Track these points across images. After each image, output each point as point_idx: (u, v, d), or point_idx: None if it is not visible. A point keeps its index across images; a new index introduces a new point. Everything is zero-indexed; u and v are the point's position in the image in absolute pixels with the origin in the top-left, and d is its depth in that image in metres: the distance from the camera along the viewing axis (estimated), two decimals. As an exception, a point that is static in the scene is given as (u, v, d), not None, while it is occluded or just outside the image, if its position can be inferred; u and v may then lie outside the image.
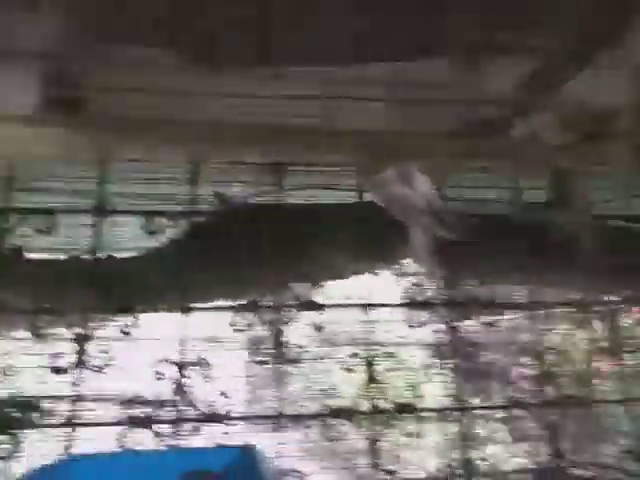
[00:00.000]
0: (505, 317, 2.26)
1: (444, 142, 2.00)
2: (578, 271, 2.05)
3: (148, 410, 1.99)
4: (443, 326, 2.22)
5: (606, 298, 2.38)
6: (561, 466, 2.06)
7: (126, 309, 2.09)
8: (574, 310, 2.34)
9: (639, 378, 2.27)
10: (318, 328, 2.15)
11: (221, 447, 1.89)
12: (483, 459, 2.12)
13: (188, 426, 2.02)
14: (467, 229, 1.75)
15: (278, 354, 2.11)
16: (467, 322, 2.24)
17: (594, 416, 2.20)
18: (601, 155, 1.40)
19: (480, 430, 2.17)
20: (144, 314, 2.10)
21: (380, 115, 2.15)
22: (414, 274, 2.23)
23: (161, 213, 2.22)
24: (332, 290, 2.21)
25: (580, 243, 1.93)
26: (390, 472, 2.04)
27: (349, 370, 2.14)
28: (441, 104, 2.18)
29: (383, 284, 2.24)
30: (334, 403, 2.09)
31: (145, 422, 1.98)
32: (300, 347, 2.13)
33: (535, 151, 1.72)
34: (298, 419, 2.06)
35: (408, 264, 2.22)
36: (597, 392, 2.25)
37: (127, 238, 2.17)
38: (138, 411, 1.98)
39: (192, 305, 2.13)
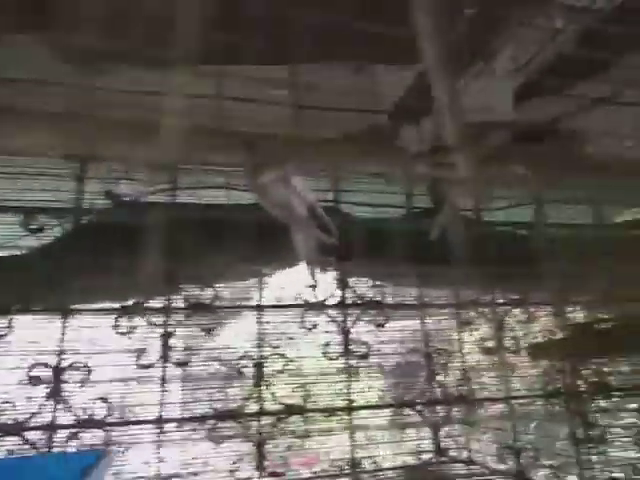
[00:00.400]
0: (396, 318, 2.31)
1: (338, 146, 2.02)
2: (456, 274, 2.14)
3: (20, 417, 1.89)
4: (335, 327, 2.25)
5: (495, 300, 2.49)
6: (441, 462, 2.13)
7: (1, 310, 1.98)
8: (462, 311, 2.43)
9: (521, 377, 2.39)
10: (208, 330, 2.12)
11: (75, 453, 1.84)
12: (371, 458, 2.17)
13: (64, 432, 1.94)
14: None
15: (164, 357, 2.06)
16: (359, 323, 2.28)
17: (477, 413, 2.30)
18: (451, 166, 1.46)
19: (370, 430, 2.21)
20: (20, 316, 1.99)
21: (276, 117, 2.14)
22: (309, 276, 2.24)
23: (44, 210, 2.11)
24: (225, 292, 2.18)
25: (455, 247, 2.01)
26: (276, 474, 2.05)
27: (238, 372, 2.12)
28: (338, 108, 2.21)
29: (277, 285, 2.24)
30: (221, 406, 2.07)
31: (17, 429, 1.88)
32: (188, 349, 2.10)
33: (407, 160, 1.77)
34: (182, 423, 2.02)
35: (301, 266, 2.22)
36: (481, 390, 2.35)
37: (3, 236, 2.06)
38: (8, 418, 1.88)
39: (73, 307, 2.05)
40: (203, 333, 2.12)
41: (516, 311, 2.51)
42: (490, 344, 2.42)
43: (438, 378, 2.31)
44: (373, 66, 2.07)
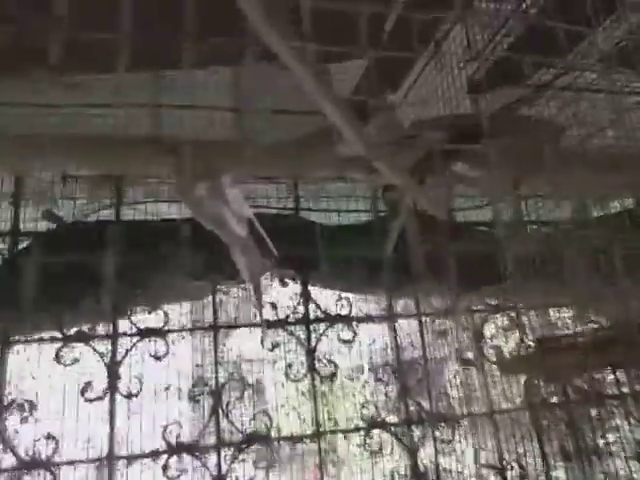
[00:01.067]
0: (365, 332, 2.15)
1: (275, 152, 1.87)
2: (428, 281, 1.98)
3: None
4: (298, 345, 2.09)
5: (471, 307, 2.32)
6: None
7: None
8: (436, 320, 2.27)
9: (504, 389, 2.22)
10: (158, 357, 1.97)
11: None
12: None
13: (6, 475, 1.79)
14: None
15: (112, 389, 1.91)
16: (324, 339, 2.12)
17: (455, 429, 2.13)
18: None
19: (340, 454, 2.05)
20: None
21: (214, 124, 2.00)
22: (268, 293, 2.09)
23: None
24: (175, 314, 2.03)
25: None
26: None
27: (195, 401, 1.96)
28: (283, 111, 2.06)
29: (233, 303, 2.08)
30: (176, 437, 1.91)
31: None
32: (139, 379, 1.94)
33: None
34: (133, 459, 1.87)
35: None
36: (461, 406, 2.18)
37: None
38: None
39: (12, 338, 1.90)
40: (153, 360, 1.96)
41: (496, 317, 2.35)
42: (469, 355, 2.26)
43: (412, 393, 2.14)
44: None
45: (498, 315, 2.35)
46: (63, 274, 1.95)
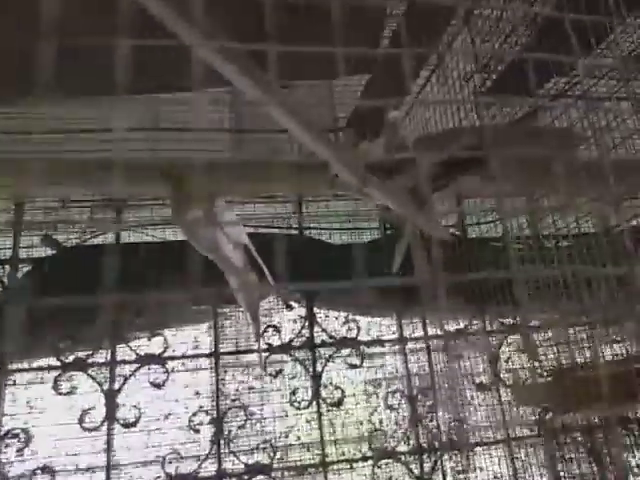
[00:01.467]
0: (373, 356, 2.06)
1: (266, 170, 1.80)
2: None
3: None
4: (303, 371, 2.00)
5: (488, 327, 2.20)
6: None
7: None
8: (450, 342, 2.15)
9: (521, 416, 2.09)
10: (157, 385, 1.91)
11: None
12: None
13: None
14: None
15: (110, 418, 1.85)
16: (330, 364, 2.03)
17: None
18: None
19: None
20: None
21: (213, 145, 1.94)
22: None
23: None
24: (176, 340, 1.97)
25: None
26: None
27: (195, 430, 1.89)
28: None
29: (234, 328, 2.01)
30: (176, 468, 1.85)
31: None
32: (137, 408, 1.88)
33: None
34: (131, 492, 1.80)
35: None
36: (476, 434, 2.06)
37: None
38: None
39: (9, 367, 1.86)
40: (152, 388, 1.90)
41: (514, 338, 2.22)
42: (484, 379, 2.14)
43: (424, 422, 2.03)
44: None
45: (515, 336, 2.22)
46: (62, 299, 1.90)
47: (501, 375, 2.15)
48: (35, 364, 1.88)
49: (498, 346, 2.19)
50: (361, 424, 1.98)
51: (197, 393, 1.91)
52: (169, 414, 1.87)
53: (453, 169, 1.22)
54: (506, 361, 2.17)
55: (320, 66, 1.57)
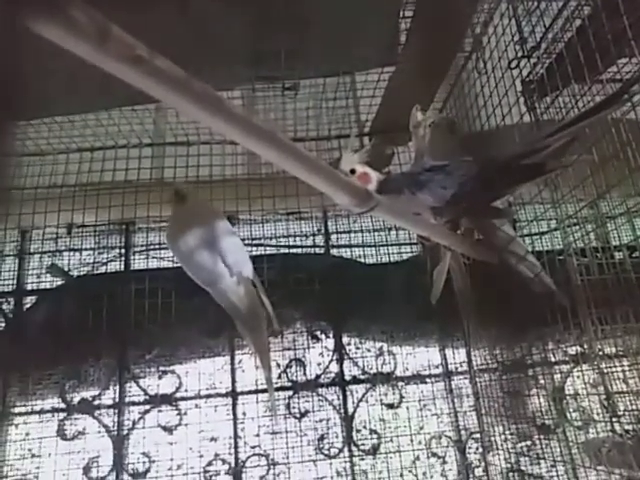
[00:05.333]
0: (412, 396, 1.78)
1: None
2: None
3: None
4: (332, 412, 1.75)
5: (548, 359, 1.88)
6: None
7: None
8: (505, 377, 1.84)
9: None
10: (169, 429, 1.71)
11: None
12: None
13: None
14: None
15: (118, 467, 1.67)
16: (364, 404, 1.77)
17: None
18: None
19: None
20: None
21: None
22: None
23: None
24: (189, 378, 1.76)
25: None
26: None
27: (212, 482, 1.68)
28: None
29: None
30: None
31: None
32: (147, 455, 1.69)
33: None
34: None
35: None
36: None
37: None
38: None
39: (12, 410, 1.72)
40: (164, 432, 1.70)
41: (580, 371, 1.88)
42: (547, 420, 1.81)
43: (476, 473, 1.73)
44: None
45: (583, 367, 1.88)
46: (68, 334, 1.76)
47: (567, 415, 1.81)
48: (38, 406, 1.72)
49: (563, 380, 1.86)
50: (401, 476, 1.70)
51: (213, 439, 1.69)
52: (182, 464, 1.66)
53: (514, 177, 0.96)
54: (574, 398, 1.83)
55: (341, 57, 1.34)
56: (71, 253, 1.88)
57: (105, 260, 1.88)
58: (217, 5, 1.22)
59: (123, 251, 1.88)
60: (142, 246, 1.88)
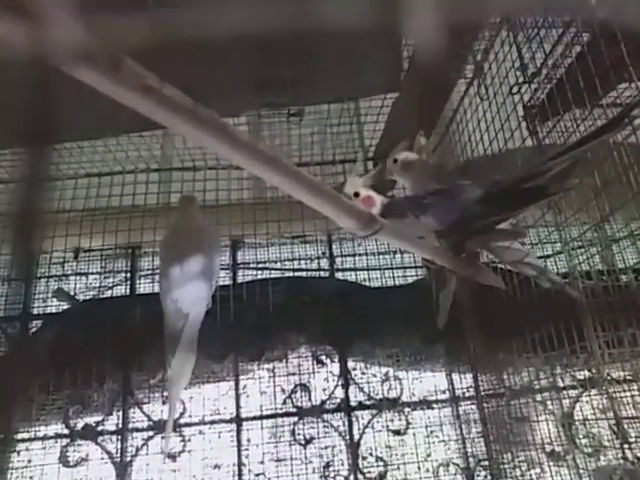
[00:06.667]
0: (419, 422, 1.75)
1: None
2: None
3: None
4: (338, 439, 1.73)
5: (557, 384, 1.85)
6: None
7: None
8: (513, 402, 1.81)
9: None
10: (173, 457, 1.69)
11: None
12: None
13: None
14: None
15: (120, 495, 1.64)
16: (369, 431, 1.74)
17: None
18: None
19: None
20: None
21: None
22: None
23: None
24: (193, 404, 1.75)
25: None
26: None
27: (215, 509, 1.64)
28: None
29: (258, 390, 1.77)
30: None
31: None
32: (150, 482, 1.66)
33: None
34: None
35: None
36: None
37: None
38: None
39: (15, 436, 1.70)
40: (168, 459, 1.68)
41: (589, 395, 1.85)
42: (556, 447, 1.77)
43: (486, 501, 1.69)
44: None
45: (591, 392, 1.85)
46: (73, 358, 1.75)
47: (578, 441, 1.78)
48: (41, 432, 1.71)
49: (572, 405, 1.83)
50: (408, 504, 1.66)
51: (217, 466, 1.67)
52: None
53: (517, 200, 0.96)
54: (583, 424, 1.80)
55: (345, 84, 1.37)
56: (77, 277, 1.88)
57: (111, 284, 1.89)
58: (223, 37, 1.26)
59: (129, 275, 1.88)
60: (148, 270, 1.89)
